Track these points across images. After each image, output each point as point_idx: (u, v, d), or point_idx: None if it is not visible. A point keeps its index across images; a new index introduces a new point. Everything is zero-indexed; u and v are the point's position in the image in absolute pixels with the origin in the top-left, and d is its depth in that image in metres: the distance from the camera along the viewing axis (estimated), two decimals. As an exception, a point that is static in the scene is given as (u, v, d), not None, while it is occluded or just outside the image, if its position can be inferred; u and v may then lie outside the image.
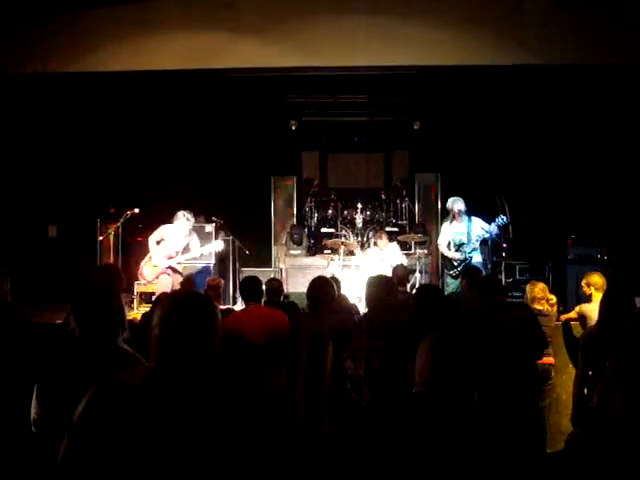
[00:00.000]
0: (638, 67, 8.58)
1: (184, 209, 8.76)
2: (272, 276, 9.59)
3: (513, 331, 5.09)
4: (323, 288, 5.24)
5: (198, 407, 2.00)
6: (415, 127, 12.24)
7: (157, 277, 8.78)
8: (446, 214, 9.26)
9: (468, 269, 7.30)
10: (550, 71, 9.17)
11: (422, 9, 8.82)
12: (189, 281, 8.02)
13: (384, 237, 9.96)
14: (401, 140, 12.88)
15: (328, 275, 8.91)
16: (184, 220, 8.71)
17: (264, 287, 5.85)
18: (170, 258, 8.71)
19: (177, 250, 8.75)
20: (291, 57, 9.00)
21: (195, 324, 2.11)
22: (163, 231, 8.76)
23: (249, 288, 5.55)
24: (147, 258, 8.87)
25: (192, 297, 2.28)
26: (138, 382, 2.07)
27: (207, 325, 2.14)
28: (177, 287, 8.38)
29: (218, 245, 9.16)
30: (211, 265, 9.82)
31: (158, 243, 8.76)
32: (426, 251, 10.94)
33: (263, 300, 5.78)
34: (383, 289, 5.28)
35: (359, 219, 11.53)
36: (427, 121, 12.25)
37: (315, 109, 12.29)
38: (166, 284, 8.61)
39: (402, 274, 7.12)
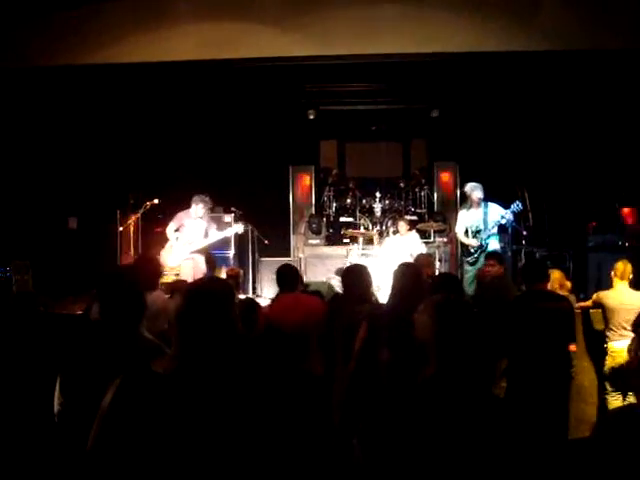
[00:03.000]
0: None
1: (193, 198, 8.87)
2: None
3: (550, 322, 5.07)
4: (359, 276, 5.21)
5: (222, 393, 2.01)
6: (433, 115, 12.16)
7: (180, 264, 8.83)
8: (465, 199, 9.22)
9: (494, 253, 7.27)
10: (570, 57, 9.06)
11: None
12: (211, 259, 8.14)
13: (404, 223, 9.95)
14: (419, 129, 12.82)
15: (347, 264, 8.91)
16: (200, 203, 8.83)
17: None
18: (191, 243, 8.79)
19: (196, 235, 8.82)
20: (308, 46, 8.97)
21: (213, 311, 2.11)
22: (181, 218, 8.85)
23: (287, 276, 5.49)
24: (168, 245, 8.92)
25: (209, 284, 2.28)
26: (164, 370, 2.08)
27: (225, 311, 2.14)
28: (200, 272, 8.48)
29: (238, 228, 9.21)
30: (230, 255, 9.85)
31: (177, 230, 8.83)
32: (445, 239, 10.90)
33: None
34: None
35: (378, 208, 11.49)
36: (445, 109, 12.17)
37: (333, 98, 12.25)
38: (189, 270, 8.68)
39: (425, 262, 7.08)
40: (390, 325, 4.31)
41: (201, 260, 8.73)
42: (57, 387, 3.18)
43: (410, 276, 4.86)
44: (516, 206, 8.42)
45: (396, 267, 5.38)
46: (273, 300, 5.82)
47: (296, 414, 2.10)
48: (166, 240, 9.01)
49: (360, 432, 2.80)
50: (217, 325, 2.10)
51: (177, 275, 8.58)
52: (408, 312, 4.57)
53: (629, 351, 2.18)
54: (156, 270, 5.29)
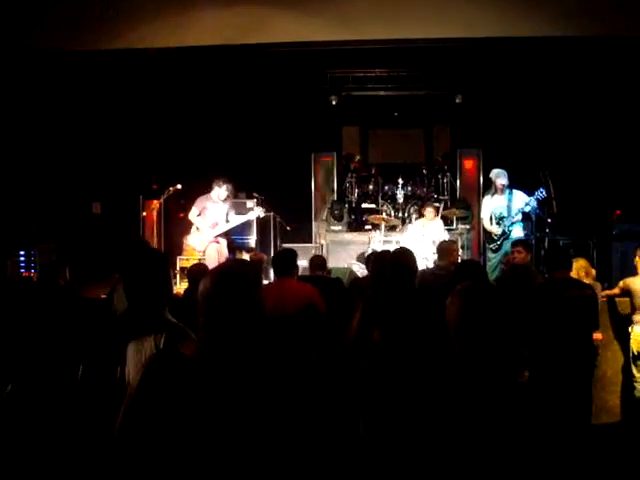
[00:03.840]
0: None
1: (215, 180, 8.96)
2: (313, 252, 9.66)
3: (576, 310, 5.05)
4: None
5: (249, 375, 2.02)
6: (457, 101, 12.07)
7: (206, 247, 8.90)
8: (488, 187, 9.18)
9: (520, 241, 7.23)
10: (595, 42, 8.96)
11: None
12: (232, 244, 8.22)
13: (432, 209, 9.94)
14: (442, 115, 12.74)
15: (369, 251, 8.92)
16: (223, 186, 8.91)
17: (306, 261, 5.82)
18: (215, 226, 8.86)
19: (219, 218, 8.94)
20: (331, 31, 8.93)
21: (240, 293, 2.12)
22: (202, 202, 8.91)
23: (282, 261, 5.44)
24: (193, 230, 8.99)
25: (236, 266, 2.29)
26: (192, 352, 2.10)
27: (252, 294, 2.15)
28: (223, 256, 8.67)
29: (259, 211, 9.28)
30: (252, 241, 9.89)
31: (199, 215, 8.90)
32: (468, 226, 10.86)
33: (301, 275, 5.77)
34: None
35: (400, 194, 11.45)
36: (469, 95, 12.09)
37: (355, 84, 12.20)
38: (214, 253, 8.79)
39: (448, 249, 7.03)
40: (383, 307, 4.29)
41: (224, 244, 8.82)
42: (80, 369, 3.20)
43: (391, 263, 4.80)
44: (540, 193, 8.35)
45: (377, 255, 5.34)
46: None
47: (304, 398, 2.10)
48: (189, 225, 9.07)
49: (365, 413, 2.81)
50: (244, 307, 2.11)
51: (201, 259, 8.64)
52: (399, 295, 4.57)
53: None
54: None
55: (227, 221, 9.00)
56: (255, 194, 10.07)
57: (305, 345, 4.74)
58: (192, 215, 8.94)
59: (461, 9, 8.64)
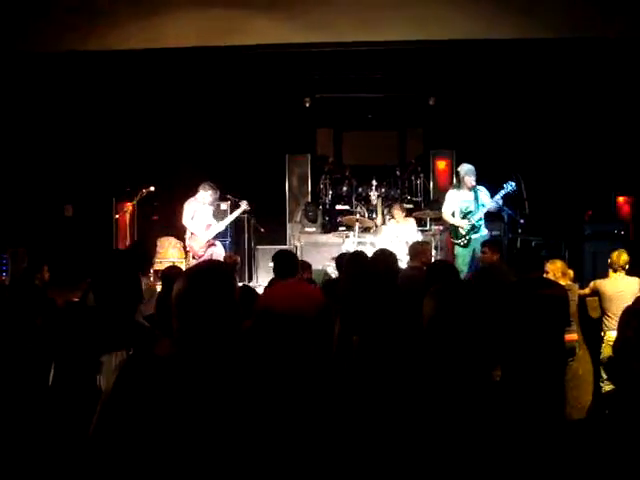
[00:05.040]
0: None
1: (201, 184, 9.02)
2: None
3: (547, 309, 5.09)
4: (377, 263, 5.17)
5: (224, 376, 2.02)
6: (430, 103, 12.14)
7: (206, 249, 9.00)
8: (455, 181, 9.14)
9: (491, 241, 7.26)
10: (567, 45, 9.05)
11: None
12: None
13: (400, 210, 9.97)
14: (416, 117, 12.81)
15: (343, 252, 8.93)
16: (209, 190, 8.99)
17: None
18: (209, 227, 9.02)
19: (210, 220, 9.10)
20: (305, 33, 8.93)
21: (215, 292, 2.12)
22: (192, 206, 8.94)
23: (285, 262, 5.38)
24: (189, 235, 9.02)
25: (210, 266, 2.29)
26: (166, 353, 2.09)
27: (227, 293, 2.14)
28: (222, 256, 8.78)
29: (244, 205, 9.37)
30: (227, 242, 9.87)
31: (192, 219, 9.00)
32: (441, 227, 10.90)
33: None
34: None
35: (374, 196, 11.48)
36: (442, 98, 12.16)
37: (329, 86, 12.21)
38: (218, 253, 8.98)
39: (420, 250, 7.06)
40: (357, 310, 4.27)
41: (220, 245, 9.13)
42: (52, 372, 3.18)
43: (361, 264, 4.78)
44: (510, 186, 8.33)
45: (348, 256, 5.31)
46: (267, 286, 5.80)
47: (295, 401, 2.11)
48: (182, 230, 9.16)
49: (350, 414, 2.81)
50: (219, 307, 2.10)
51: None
52: (378, 297, 4.57)
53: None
54: (147, 256, 5.28)
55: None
56: (229, 196, 10.03)
57: (316, 345, 4.74)
58: (186, 220, 8.95)
59: (435, 12, 8.69)
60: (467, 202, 8.56)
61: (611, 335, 6.45)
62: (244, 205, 9.34)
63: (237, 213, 9.39)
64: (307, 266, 6.99)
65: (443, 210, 8.90)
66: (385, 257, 5.00)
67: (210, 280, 2.13)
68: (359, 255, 5.55)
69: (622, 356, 2.15)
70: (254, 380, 2.04)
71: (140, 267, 5.08)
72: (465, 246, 8.52)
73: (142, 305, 4.65)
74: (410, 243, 8.81)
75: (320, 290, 5.38)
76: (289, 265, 5.37)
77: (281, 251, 5.67)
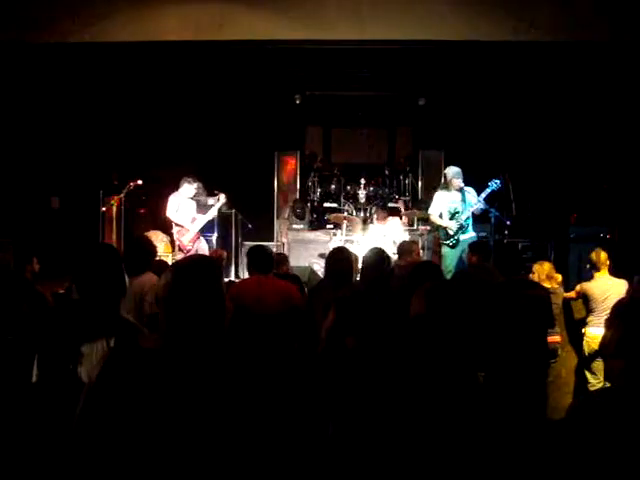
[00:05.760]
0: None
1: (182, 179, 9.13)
2: (274, 250, 9.68)
3: (530, 309, 5.11)
4: (341, 259, 5.17)
5: (209, 369, 2.02)
6: (420, 103, 12.18)
7: (194, 243, 9.11)
8: (442, 182, 9.12)
9: (478, 244, 7.27)
10: (556, 48, 9.09)
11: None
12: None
13: (381, 214, 10.02)
14: (405, 116, 12.84)
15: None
16: (193, 183, 9.10)
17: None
18: (194, 221, 9.10)
19: (194, 214, 9.21)
20: (297, 30, 8.92)
21: (201, 285, 2.12)
22: (177, 199, 8.99)
23: (260, 258, 5.41)
24: (178, 230, 9.08)
25: (197, 259, 2.30)
26: (151, 345, 2.09)
27: (213, 286, 2.15)
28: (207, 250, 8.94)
29: (222, 199, 9.45)
30: (213, 238, 9.86)
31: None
32: (429, 227, 10.93)
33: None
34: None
35: (362, 194, 11.49)
36: (432, 98, 12.19)
37: (320, 83, 12.21)
38: (205, 247, 9.15)
39: (407, 249, 7.09)
40: (357, 310, 4.23)
41: (205, 241, 9.32)
42: (35, 363, 3.17)
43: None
44: (495, 184, 8.34)
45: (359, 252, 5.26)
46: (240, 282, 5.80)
47: (275, 395, 2.11)
48: (168, 224, 9.20)
49: (335, 416, 2.81)
50: (205, 300, 2.10)
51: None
52: (374, 297, 4.55)
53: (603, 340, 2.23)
54: (144, 252, 5.25)
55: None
56: (216, 191, 10.02)
57: (286, 341, 4.73)
58: (171, 213, 9.01)
59: (426, 12, 8.70)
60: (455, 203, 8.56)
61: (590, 332, 6.52)
62: (222, 198, 9.39)
63: (217, 206, 9.47)
64: (284, 260, 7.01)
65: (430, 211, 8.88)
66: (375, 256, 5.00)
67: (197, 274, 2.13)
68: (343, 251, 5.54)
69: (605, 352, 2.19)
70: (233, 374, 2.04)
71: (148, 263, 5.07)
72: (454, 247, 8.52)
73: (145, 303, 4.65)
74: (397, 242, 8.87)
75: (293, 286, 5.37)
76: (263, 261, 5.39)
77: (255, 247, 5.68)
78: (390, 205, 11.14)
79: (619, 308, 2.21)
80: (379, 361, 3.16)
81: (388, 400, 2.34)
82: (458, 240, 8.46)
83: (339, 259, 5.16)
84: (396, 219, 10.11)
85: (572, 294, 7.03)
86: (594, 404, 2.10)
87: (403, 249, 7.06)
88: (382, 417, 2.32)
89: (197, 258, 2.39)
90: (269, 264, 5.41)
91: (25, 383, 3.23)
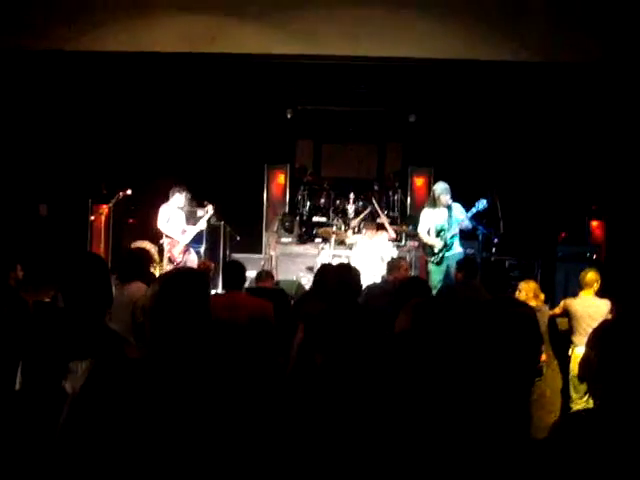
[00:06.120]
0: (632, 65, 8.60)
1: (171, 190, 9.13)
2: (262, 263, 9.71)
3: (517, 327, 5.12)
4: (331, 275, 5.09)
5: (194, 379, 2.02)
6: (411, 120, 12.24)
7: (184, 255, 9.08)
8: (430, 198, 9.10)
9: (465, 261, 7.27)
10: (546, 68, 9.18)
11: (422, 2, 8.82)
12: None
13: (371, 229, 10.02)
14: (395, 132, 12.90)
15: (318, 264, 8.93)
16: (182, 193, 9.09)
17: (252, 273, 5.85)
18: (184, 232, 9.09)
19: (183, 225, 9.19)
20: (289, 45, 8.96)
21: (185, 298, 2.12)
22: (167, 210, 8.97)
23: (233, 274, 5.40)
24: (169, 242, 9.07)
25: (184, 271, 2.31)
26: (137, 355, 2.09)
27: (199, 298, 2.15)
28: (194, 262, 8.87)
29: (209, 210, 9.47)
30: (202, 249, 9.85)
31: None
32: (416, 244, 10.95)
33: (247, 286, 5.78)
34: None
35: (351, 209, 11.51)
36: (422, 115, 12.26)
37: (311, 98, 12.26)
38: (195, 259, 9.07)
39: (400, 266, 7.11)
40: (325, 328, 4.09)
41: (194, 253, 9.29)
42: (19, 370, 3.16)
43: (338, 277, 4.66)
44: (481, 204, 8.35)
45: (323, 268, 5.21)
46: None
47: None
48: (158, 235, 9.15)
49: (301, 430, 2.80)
50: (191, 312, 2.11)
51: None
52: (343, 313, 4.49)
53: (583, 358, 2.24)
54: (138, 260, 5.25)
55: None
56: (206, 202, 10.02)
57: (254, 357, 4.70)
58: (162, 224, 9.00)
59: (419, 30, 8.76)
60: (441, 220, 8.59)
61: (577, 351, 6.54)
62: (210, 209, 9.40)
63: (206, 217, 9.47)
64: (268, 275, 7.01)
65: (419, 229, 8.89)
66: (348, 272, 4.88)
67: (183, 286, 2.14)
68: (326, 267, 5.52)
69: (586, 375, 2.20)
70: (214, 384, 2.05)
71: (141, 271, 5.07)
72: (439, 264, 8.54)
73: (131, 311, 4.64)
74: (385, 258, 8.88)
75: (263, 302, 5.33)
76: (233, 277, 5.38)
77: (227, 263, 5.66)
78: (378, 220, 11.14)
79: (598, 331, 2.23)
80: (347, 378, 3.15)
81: (366, 415, 2.34)
82: (443, 257, 8.48)
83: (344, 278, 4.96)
84: (384, 234, 10.12)
85: (557, 310, 7.06)
86: (575, 424, 2.11)
87: (392, 265, 7.08)
88: (362, 431, 2.31)
89: (184, 270, 2.40)
90: (239, 280, 5.41)
91: (7, 390, 3.21)
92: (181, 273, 2.29)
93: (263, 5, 8.84)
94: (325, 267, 5.35)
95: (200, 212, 10.10)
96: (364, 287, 6.68)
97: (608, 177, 10.57)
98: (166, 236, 9.01)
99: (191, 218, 9.59)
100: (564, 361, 6.88)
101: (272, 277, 7.15)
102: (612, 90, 9.38)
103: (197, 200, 10.11)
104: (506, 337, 5.06)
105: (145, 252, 5.61)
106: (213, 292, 7.69)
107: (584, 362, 2.20)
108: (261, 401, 2.15)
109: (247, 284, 7.79)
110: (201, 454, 1.96)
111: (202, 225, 9.40)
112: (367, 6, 8.79)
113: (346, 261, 9.70)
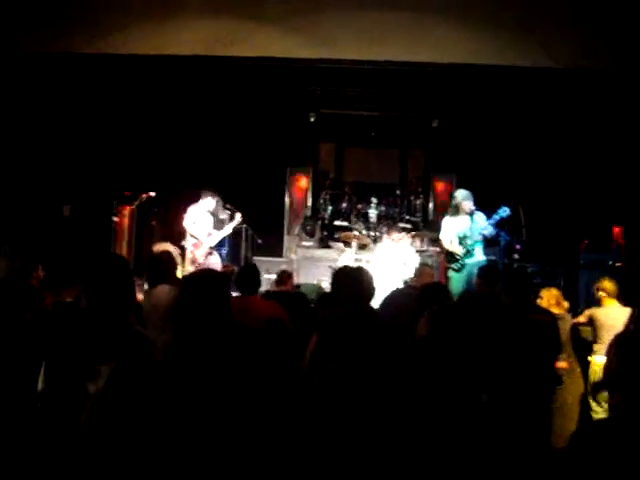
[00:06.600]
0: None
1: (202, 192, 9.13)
2: (283, 266, 9.70)
3: (535, 334, 5.09)
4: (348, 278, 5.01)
5: (214, 379, 2.03)
6: (434, 125, 12.20)
7: (206, 257, 9.07)
8: (452, 206, 9.06)
9: (486, 268, 7.23)
10: (571, 75, 9.11)
11: (444, 6, 8.79)
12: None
13: (396, 233, 9.98)
14: (418, 138, 12.87)
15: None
16: (213, 197, 9.16)
17: (272, 276, 5.84)
18: (210, 235, 9.05)
19: (211, 228, 9.21)
20: (312, 48, 8.97)
21: (206, 300, 2.14)
22: (195, 212, 8.99)
23: (248, 279, 5.43)
24: (193, 243, 9.09)
25: (206, 273, 2.32)
26: (159, 356, 2.11)
27: (221, 299, 2.17)
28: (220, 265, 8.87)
29: (238, 217, 9.50)
30: (224, 252, 9.89)
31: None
32: (438, 249, 10.92)
33: (266, 290, 5.77)
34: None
35: (373, 214, 11.51)
36: (445, 120, 12.22)
37: (334, 102, 12.26)
38: (214, 262, 9.01)
39: (429, 273, 7.09)
40: (340, 335, 4.02)
41: (217, 255, 9.31)
42: (42, 371, 3.17)
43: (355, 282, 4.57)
44: (503, 212, 8.31)
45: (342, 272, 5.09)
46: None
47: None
48: (182, 233, 9.21)
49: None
50: (213, 312, 2.12)
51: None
52: (354, 319, 4.42)
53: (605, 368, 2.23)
54: (164, 264, 5.28)
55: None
56: (228, 205, 10.06)
57: (264, 362, 4.67)
58: (188, 223, 9.02)
59: (440, 35, 8.74)
60: (463, 227, 8.56)
61: (595, 361, 6.49)
62: (238, 217, 9.41)
63: (233, 225, 9.49)
64: (288, 277, 6.98)
65: (441, 237, 8.89)
66: (360, 275, 4.78)
67: (205, 288, 2.15)
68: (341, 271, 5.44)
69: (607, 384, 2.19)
70: (236, 384, 2.06)
71: (167, 275, 5.10)
72: (459, 270, 8.51)
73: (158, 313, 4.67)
74: (407, 263, 8.87)
75: (275, 306, 5.32)
76: (246, 282, 5.39)
77: (243, 267, 5.67)
78: (401, 225, 11.11)
79: (618, 340, 2.21)
80: (358, 385, 3.13)
81: (385, 419, 2.33)
82: (464, 264, 8.44)
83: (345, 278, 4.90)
84: (407, 240, 10.10)
85: (581, 319, 7.01)
86: (594, 434, 2.09)
87: (419, 271, 7.09)
88: (381, 437, 2.31)
89: (205, 273, 2.41)
90: (252, 286, 5.43)
91: (30, 391, 3.23)
92: (202, 275, 2.31)
93: (283, 9, 8.85)
94: (337, 271, 5.26)
95: (223, 215, 10.15)
96: (388, 293, 6.69)
97: (631, 183, 10.47)
98: (191, 236, 9.02)
99: (217, 222, 9.62)
100: (587, 370, 6.82)
101: (292, 278, 7.13)
102: (635, 97, 9.30)
103: (226, 206, 10.14)
104: (523, 343, 5.02)
105: (170, 255, 5.63)
106: (235, 294, 7.71)
107: (606, 370, 2.19)
108: (273, 406, 2.16)
109: (268, 287, 7.85)
110: (218, 455, 1.97)
111: (228, 231, 9.43)
112: (388, 10, 8.79)
113: (367, 265, 9.70)
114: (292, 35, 8.91)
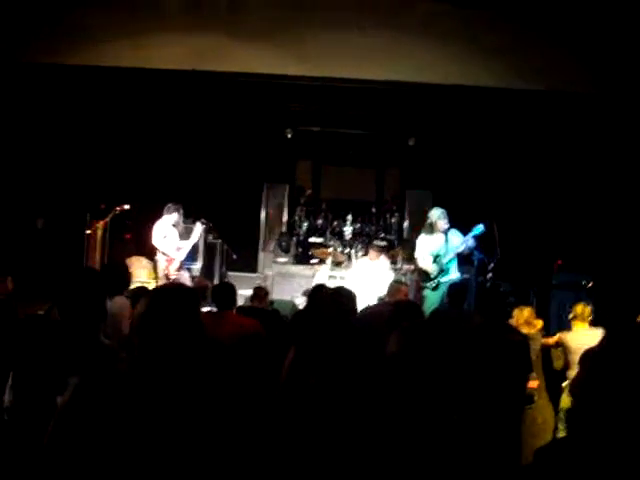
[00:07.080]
0: (630, 96, 8.66)
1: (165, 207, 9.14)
2: (258, 282, 9.68)
3: (505, 354, 5.10)
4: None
5: (181, 394, 2.02)
6: (410, 143, 12.27)
7: (178, 271, 9.04)
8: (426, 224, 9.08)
9: (454, 287, 7.25)
10: (545, 97, 9.24)
11: (423, 27, 8.89)
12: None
13: (375, 251, 10.00)
14: (394, 156, 12.94)
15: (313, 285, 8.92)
16: (175, 212, 9.09)
17: (247, 292, 5.86)
18: (179, 249, 9.03)
19: (179, 242, 9.15)
20: (291, 65, 9.03)
21: (173, 314, 2.12)
22: (162, 228, 8.95)
23: (224, 296, 5.49)
24: (166, 258, 9.05)
25: (174, 287, 2.31)
26: (124, 370, 2.09)
27: (189, 313, 2.15)
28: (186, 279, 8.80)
29: (198, 225, 9.47)
30: (198, 267, 9.84)
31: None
32: (412, 267, 10.94)
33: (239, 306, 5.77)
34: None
35: (348, 231, 11.53)
36: (421, 139, 12.30)
37: (312, 119, 12.31)
38: (188, 277, 9.03)
39: (404, 291, 7.09)
40: (319, 349, 4.08)
41: (186, 270, 9.24)
42: (9, 384, 3.14)
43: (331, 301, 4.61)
44: (478, 229, 8.34)
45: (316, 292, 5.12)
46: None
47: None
48: (152, 251, 9.18)
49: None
50: (181, 327, 2.11)
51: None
52: (337, 335, 4.45)
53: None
54: (122, 276, 5.28)
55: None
56: (203, 220, 10.01)
57: (238, 376, 4.66)
58: (157, 240, 8.97)
59: (421, 56, 8.85)
60: (437, 246, 8.58)
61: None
62: (198, 225, 9.44)
63: (196, 231, 9.41)
64: (264, 294, 7.00)
65: (416, 255, 8.89)
66: (343, 296, 4.83)
67: (171, 303, 2.14)
68: (319, 290, 5.48)
69: (576, 397, 2.21)
70: (202, 400, 2.05)
71: (117, 288, 5.08)
72: (434, 289, 8.52)
73: (118, 325, 4.64)
74: (382, 280, 8.87)
75: (250, 320, 5.35)
76: (225, 299, 5.45)
77: (218, 284, 5.69)
78: (375, 243, 11.13)
79: (587, 353, 2.24)
80: (339, 399, 3.13)
81: (353, 437, 2.33)
82: (439, 283, 8.46)
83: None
84: (383, 257, 10.13)
85: (550, 341, 7.04)
86: (556, 451, 2.11)
87: (392, 288, 7.08)
88: (361, 449, 2.30)
89: (172, 286, 2.40)
90: (227, 301, 5.47)
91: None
92: (168, 289, 2.30)
93: (266, 26, 8.90)
94: (319, 288, 5.31)
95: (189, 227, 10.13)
96: (362, 309, 6.68)
97: (605, 204, 10.59)
98: (162, 253, 8.98)
99: (185, 234, 9.57)
100: (556, 392, 6.84)
101: (266, 296, 7.12)
102: (608, 121, 9.44)
103: (190, 217, 10.11)
104: (494, 362, 5.04)
105: (125, 267, 5.65)
106: (208, 309, 7.66)
107: (573, 382, 2.21)
108: (245, 419, 2.15)
109: (243, 302, 7.80)
110: (188, 469, 1.95)
111: (194, 239, 9.34)
112: (370, 30, 8.86)
113: (341, 282, 9.70)
114: (272, 52, 8.97)
